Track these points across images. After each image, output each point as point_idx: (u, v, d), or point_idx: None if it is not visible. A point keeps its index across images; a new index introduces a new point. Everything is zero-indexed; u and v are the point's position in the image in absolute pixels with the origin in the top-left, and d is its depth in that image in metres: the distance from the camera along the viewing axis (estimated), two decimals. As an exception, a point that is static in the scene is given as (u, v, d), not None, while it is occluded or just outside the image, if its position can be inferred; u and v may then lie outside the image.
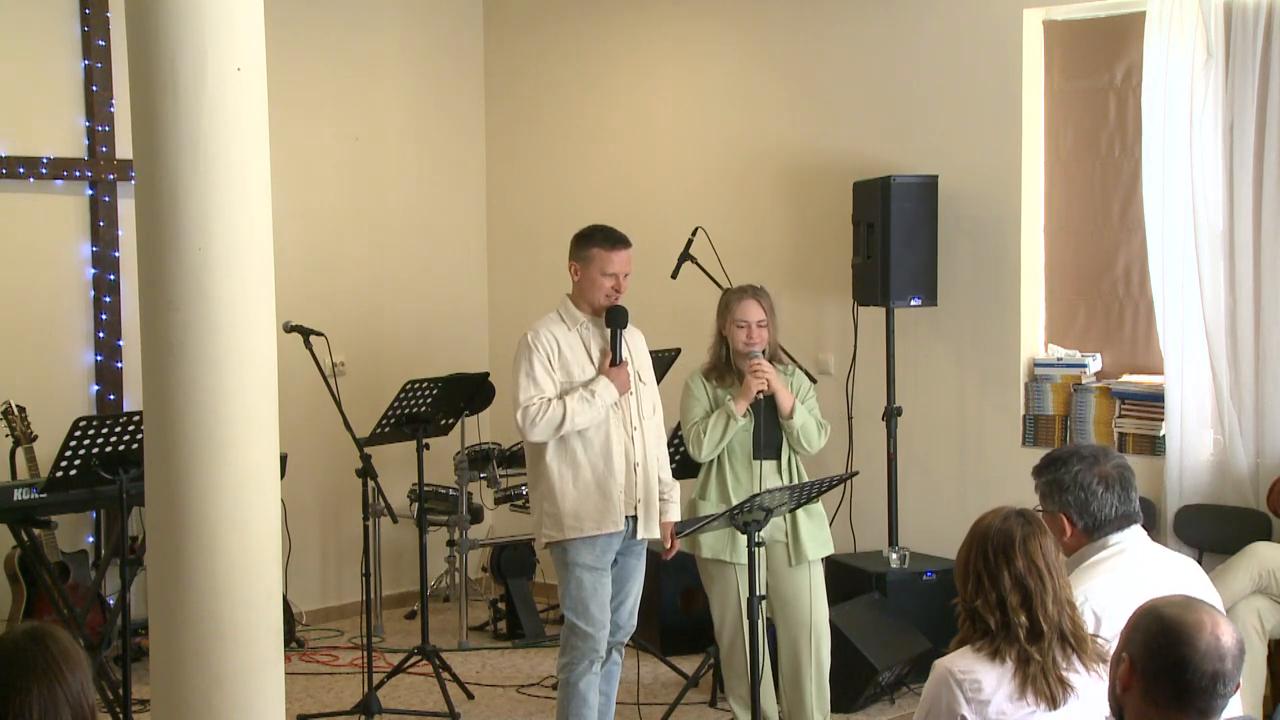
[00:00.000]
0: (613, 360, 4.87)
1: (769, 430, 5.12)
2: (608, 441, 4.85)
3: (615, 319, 4.89)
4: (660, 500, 4.99)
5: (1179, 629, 2.52)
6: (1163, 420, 5.86)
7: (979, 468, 6.43)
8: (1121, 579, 3.38)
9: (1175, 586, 3.10)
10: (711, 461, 5.18)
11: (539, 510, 4.93)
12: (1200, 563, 4.56)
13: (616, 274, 4.88)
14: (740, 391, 5.09)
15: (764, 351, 5.12)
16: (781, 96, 7.00)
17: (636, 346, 5.05)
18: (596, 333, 4.93)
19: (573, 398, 4.78)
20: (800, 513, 5.07)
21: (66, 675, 2.36)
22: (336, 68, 7.52)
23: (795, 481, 5.11)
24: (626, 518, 4.87)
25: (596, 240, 4.91)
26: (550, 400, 4.79)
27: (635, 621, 5.04)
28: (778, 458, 5.16)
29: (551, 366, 4.84)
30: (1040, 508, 3.57)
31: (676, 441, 5.58)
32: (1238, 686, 2.58)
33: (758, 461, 5.13)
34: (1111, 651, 2.71)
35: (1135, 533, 3.53)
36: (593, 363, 4.89)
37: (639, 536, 4.92)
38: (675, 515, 5.04)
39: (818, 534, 5.19)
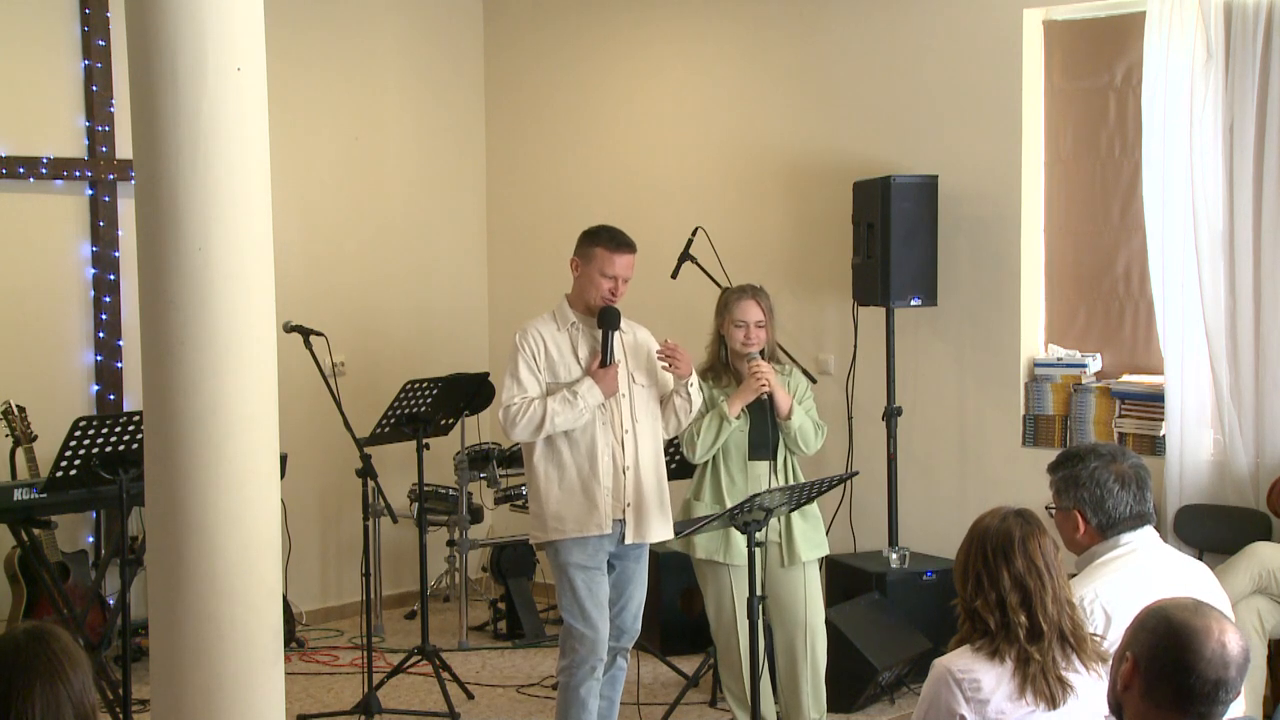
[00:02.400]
0: (602, 361, 4.80)
1: (765, 431, 5.08)
2: (593, 444, 4.78)
3: (606, 320, 4.82)
4: None
5: (1186, 633, 2.50)
6: (1163, 420, 5.86)
7: (979, 468, 6.43)
8: (1132, 579, 3.37)
9: (1185, 589, 3.09)
10: (707, 462, 5.15)
11: (530, 510, 4.92)
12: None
13: (616, 277, 4.83)
14: (736, 392, 5.07)
15: (762, 352, 5.11)
16: (782, 96, 7.00)
17: (639, 348, 4.98)
18: (588, 333, 4.87)
19: (555, 398, 4.73)
20: (795, 514, 5.03)
21: (69, 674, 2.36)
22: (337, 68, 7.52)
23: (791, 482, 5.10)
24: (615, 521, 4.81)
25: (602, 239, 4.87)
26: (532, 400, 4.74)
27: (639, 626, 4.98)
28: (773, 458, 5.12)
29: (537, 366, 4.79)
30: (1053, 504, 3.57)
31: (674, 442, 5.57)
32: (1238, 694, 2.58)
33: (753, 462, 5.11)
34: (1113, 650, 2.71)
35: (1147, 533, 3.52)
36: (579, 363, 4.83)
37: (628, 542, 4.84)
38: None
39: (812, 536, 5.16)
